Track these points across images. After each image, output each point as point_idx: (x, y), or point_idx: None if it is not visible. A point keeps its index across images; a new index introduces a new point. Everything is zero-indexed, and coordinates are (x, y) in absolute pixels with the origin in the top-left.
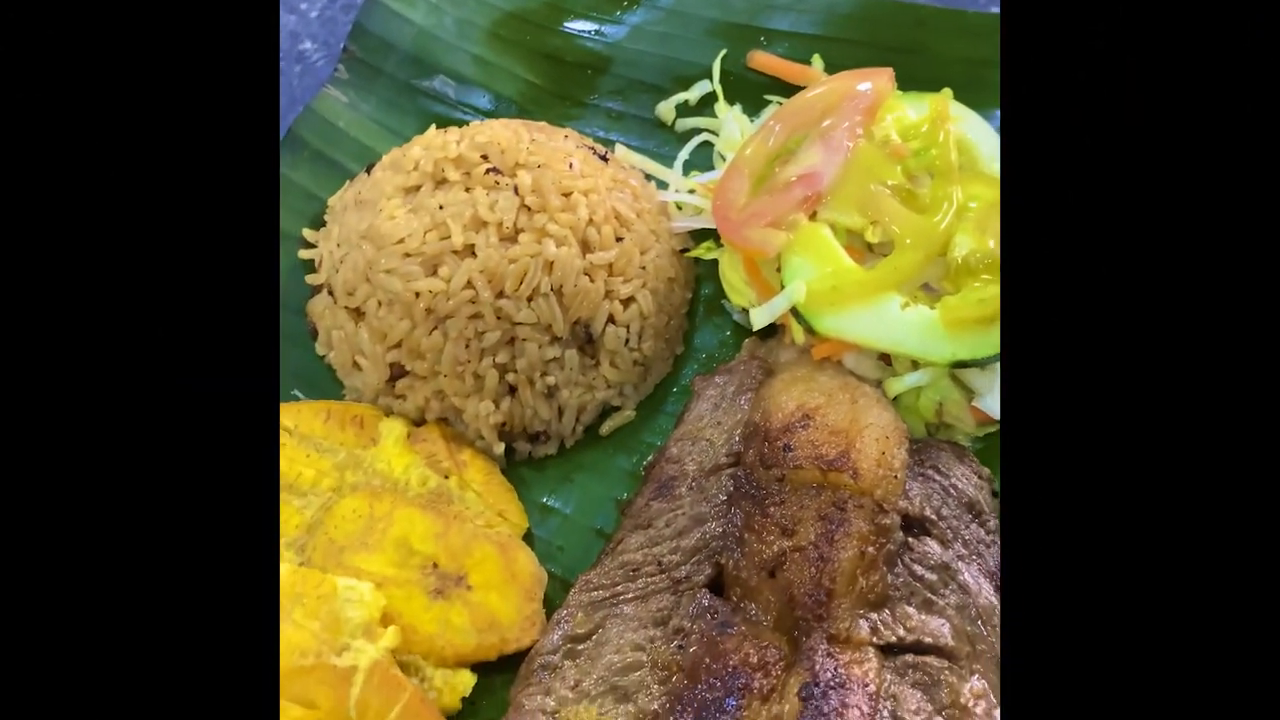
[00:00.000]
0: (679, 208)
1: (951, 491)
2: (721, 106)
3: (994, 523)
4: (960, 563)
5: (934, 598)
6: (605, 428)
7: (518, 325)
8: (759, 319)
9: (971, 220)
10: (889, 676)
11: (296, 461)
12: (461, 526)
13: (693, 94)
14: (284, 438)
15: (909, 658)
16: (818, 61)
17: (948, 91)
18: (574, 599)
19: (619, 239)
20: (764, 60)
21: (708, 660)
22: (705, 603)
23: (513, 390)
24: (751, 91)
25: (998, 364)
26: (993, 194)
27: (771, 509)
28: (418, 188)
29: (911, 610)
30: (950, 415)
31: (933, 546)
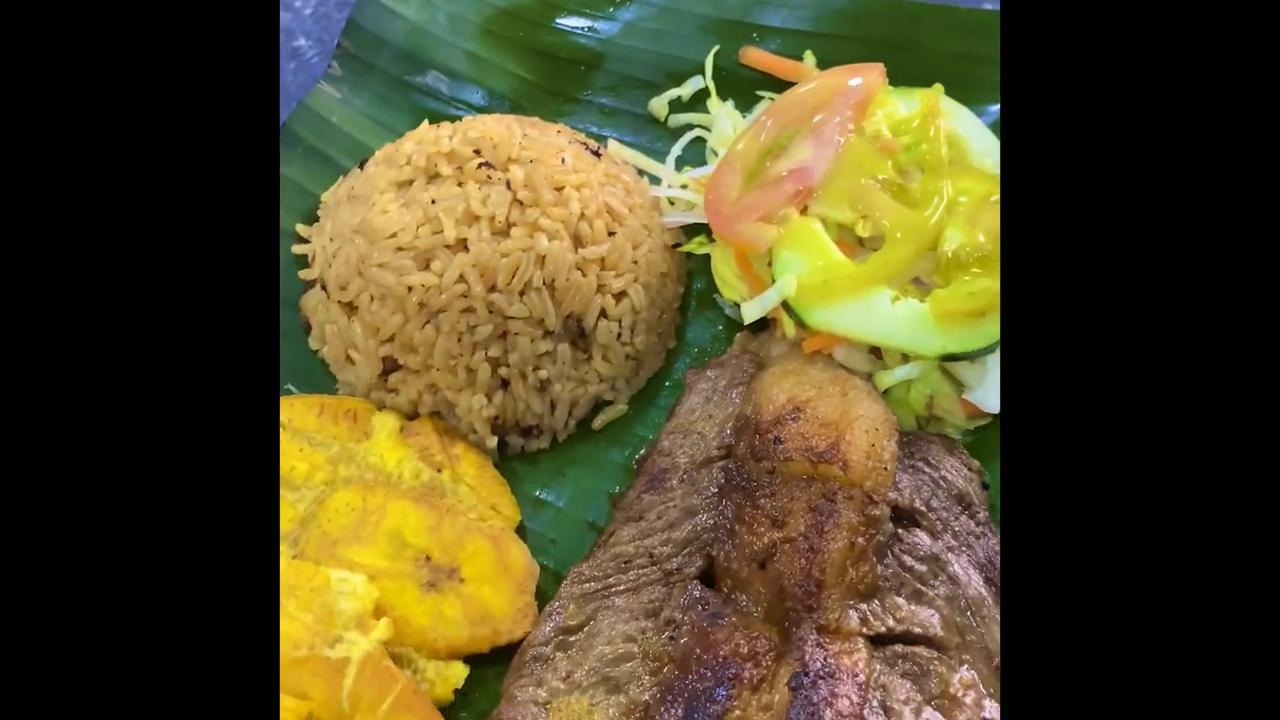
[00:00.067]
0: (671, 203)
1: (941, 484)
2: (714, 102)
3: (984, 514)
4: (950, 554)
5: (923, 589)
6: (598, 422)
7: (510, 319)
8: (750, 313)
9: (961, 215)
10: (878, 666)
11: (290, 455)
12: (454, 520)
13: (685, 90)
14: None
15: (898, 648)
16: (810, 57)
17: (939, 87)
18: (566, 591)
19: (611, 234)
20: (756, 56)
21: (698, 651)
22: (696, 594)
23: (505, 384)
24: (744, 87)
25: (987, 357)
26: (983, 189)
27: (762, 501)
28: (410, 182)
29: (901, 601)
30: (940, 408)
31: (922, 538)
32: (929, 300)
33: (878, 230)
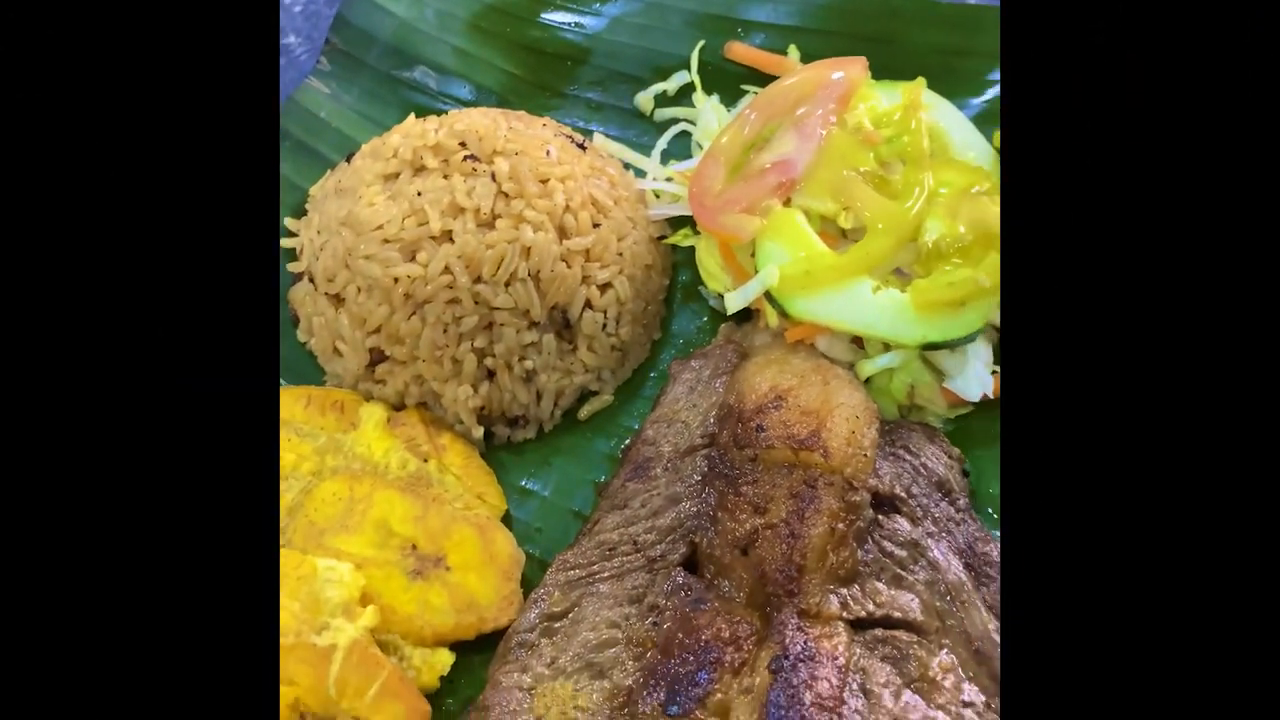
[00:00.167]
0: (657, 195)
1: (922, 471)
2: (699, 97)
3: (964, 501)
4: (930, 540)
5: (903, 574)
6: (583, 412)
7: (495, 310)
8: (733, 303)
9: (942, 206)
10: (858, 650)
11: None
12: (440, 509)
13: (671, 84)
14: None
15: (878, 632)
16: (794, 52)
17: (920, 80)
18: (551, 578)
19: (596, 225)
20: (741, 51)
21: (681, 635)
22: (679, 580)
23: (491, 375)
24: (729, 82)
25: (968, 346)
26: (963, 180)
27: (744, 488)
28: (397, 175)
29: (881, 586)
30: (921, 397)
31: (902, 524)
32: (910, 290)
33: (859, 221)
